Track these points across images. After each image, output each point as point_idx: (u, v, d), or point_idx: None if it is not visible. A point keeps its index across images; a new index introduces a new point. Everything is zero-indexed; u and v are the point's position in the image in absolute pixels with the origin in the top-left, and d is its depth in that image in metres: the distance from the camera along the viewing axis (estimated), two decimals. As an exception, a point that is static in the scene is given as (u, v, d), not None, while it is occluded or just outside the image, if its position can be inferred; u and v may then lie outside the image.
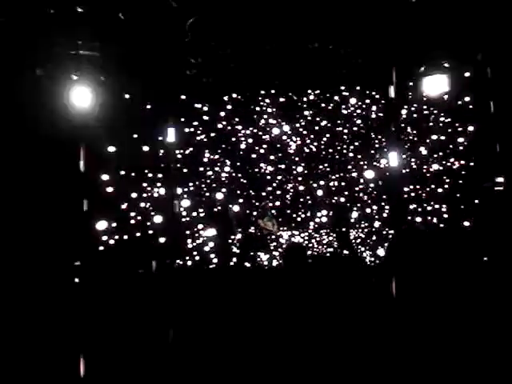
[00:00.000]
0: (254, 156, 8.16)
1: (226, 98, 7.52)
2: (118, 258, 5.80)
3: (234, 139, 8.03)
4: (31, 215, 4.57)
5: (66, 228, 4.84)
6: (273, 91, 7.47)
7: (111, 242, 5.98)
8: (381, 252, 6.70)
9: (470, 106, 6.16)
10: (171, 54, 5.82)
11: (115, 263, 5.56)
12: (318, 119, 7.97)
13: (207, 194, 7.88)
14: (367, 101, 7.59)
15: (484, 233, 5.19)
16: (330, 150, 8.13)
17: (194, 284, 3.93)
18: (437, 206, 6.66)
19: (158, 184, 6.86)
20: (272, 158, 8.21)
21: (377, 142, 7.72)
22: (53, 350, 2.87)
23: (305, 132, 8.09)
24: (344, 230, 7.67)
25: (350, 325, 2.66)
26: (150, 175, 6.78)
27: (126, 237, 6.01)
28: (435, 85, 5.43)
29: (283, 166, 8.24)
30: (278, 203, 8.18)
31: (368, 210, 7.78)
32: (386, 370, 2.45)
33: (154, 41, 5.58)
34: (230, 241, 7.48)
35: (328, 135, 8.05)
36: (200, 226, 7.53)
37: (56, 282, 4.15)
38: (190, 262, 6.31)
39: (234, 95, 7.45)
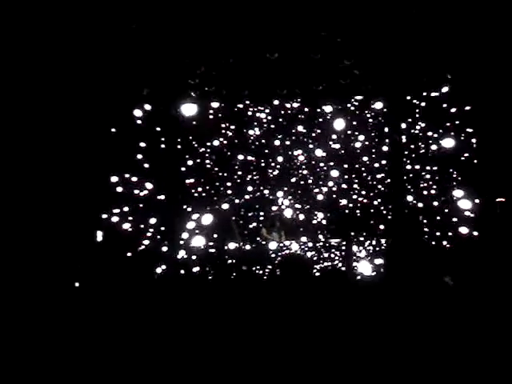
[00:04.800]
0: (259, 164, 8.17)
1: (228, 106, 7.55)
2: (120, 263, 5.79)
3: (237, 147, 8.04)
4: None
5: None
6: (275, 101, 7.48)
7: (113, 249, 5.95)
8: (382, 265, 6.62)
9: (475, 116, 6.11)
10: (174, 63, 5.87)
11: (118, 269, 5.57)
12: (322, 129, 7.97)
13: (211, 200, 7.84)
14: (369, 111, 7.61)
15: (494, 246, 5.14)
16: (335, 159, 8.10)
17: (192, 293, 3.91)
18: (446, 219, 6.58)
19: (161, 190, 6.85)
20: (278, 166, 8.20)
21: (378, 152, 7.70)
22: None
23: (308, 141, 8.09)
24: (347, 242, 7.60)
25: (349, 339, 2.62)
26: (154, 181, 6.76)
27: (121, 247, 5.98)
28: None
29: (290, 175, 8.22)
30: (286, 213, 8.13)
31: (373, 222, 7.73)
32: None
33: (158, 51, 5.65)
34: (230, 248, 7.44)
35: (331, 144, 8.03)
36: (201, 232, 7.50)
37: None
38: (188, 271, 6.27)
39: (236, 104, 7.48)
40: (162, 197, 6.76)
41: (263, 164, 8.18)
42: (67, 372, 2.68)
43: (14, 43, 4.61)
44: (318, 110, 7.81)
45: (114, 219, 6.10)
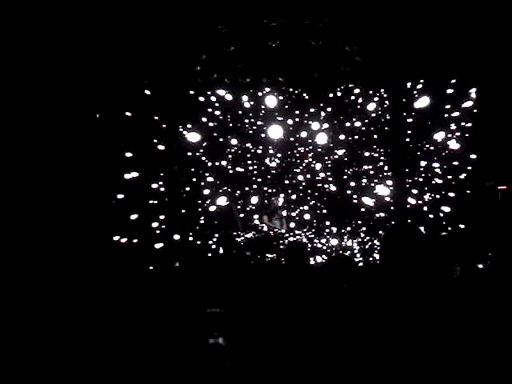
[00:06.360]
0: (258, 152, 8.15)
1: (231, 94, 7.52)
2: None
3: (239, 134, 8.02)
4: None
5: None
6: (276, 87, 7.44)
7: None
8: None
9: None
10: (176, 51, 5.85)
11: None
12: (322, 116, 7.94)
13: (213, 187, 7.84)
14: (370, 99, 7.57)
15: (486, 231, 5.18)
16: (335, 147, 8.08)
17: (194, 280, 3.94)
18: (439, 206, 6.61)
19: (162, 180, 6.86)
20: (278, 154, 8.19)
21: (378, 140, 7.69)
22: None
23: (310, 128, 8.06)
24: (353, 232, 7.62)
25: (350, 327, 2.64)
26: (155, 171, 6.76)
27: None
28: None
29: (290, 162, 8.21)
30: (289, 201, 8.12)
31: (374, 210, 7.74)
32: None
33: (159, 39, 5.61)
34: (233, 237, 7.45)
35: (333, 132, 8.00)
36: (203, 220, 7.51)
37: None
38: (189, 258, 6.31)
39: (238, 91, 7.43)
40: (162, 187, 6.80)
41: (261, 152, 8.16)
42: (77, 359, 2.72)
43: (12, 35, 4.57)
44: (319, 98, 7.77)
45: (116, 208, 6.07)
